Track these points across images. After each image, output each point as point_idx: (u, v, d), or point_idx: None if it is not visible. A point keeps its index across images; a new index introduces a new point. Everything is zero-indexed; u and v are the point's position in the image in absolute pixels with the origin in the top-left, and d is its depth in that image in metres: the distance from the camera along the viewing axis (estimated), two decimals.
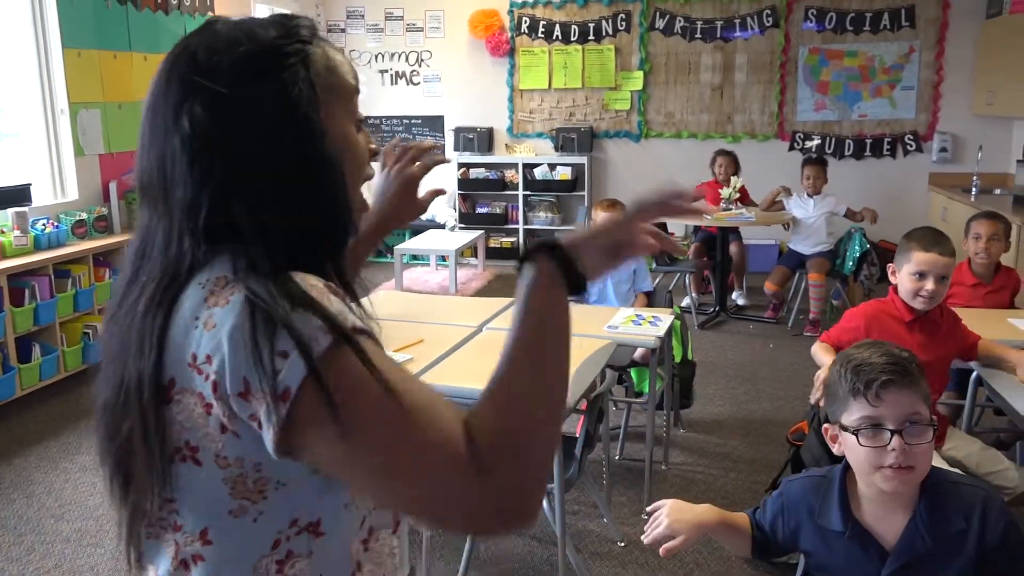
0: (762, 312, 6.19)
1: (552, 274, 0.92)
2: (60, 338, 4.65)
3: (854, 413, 1.55)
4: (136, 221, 0.96)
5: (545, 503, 2.79)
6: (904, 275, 2.62)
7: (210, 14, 6.43)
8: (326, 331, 0.81)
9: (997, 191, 6.90)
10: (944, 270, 2.58)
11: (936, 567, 1.51)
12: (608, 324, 3.27)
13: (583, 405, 2.73)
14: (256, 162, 0.87)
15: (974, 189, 6.79)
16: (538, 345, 0.90)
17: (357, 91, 0.98)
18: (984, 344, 2.71)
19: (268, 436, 0.81)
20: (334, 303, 0.84)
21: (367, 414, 0.80)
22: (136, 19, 5.67)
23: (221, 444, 0.85)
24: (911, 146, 7.55)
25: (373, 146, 1.01)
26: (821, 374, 2.53)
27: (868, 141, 7.61)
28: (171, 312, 0.86)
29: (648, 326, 3.27)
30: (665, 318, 3.37)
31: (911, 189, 7.57)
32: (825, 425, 1.68)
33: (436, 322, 3.38)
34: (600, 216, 4.11)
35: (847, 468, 1.63)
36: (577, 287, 0.93)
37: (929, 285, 2.56)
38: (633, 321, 3.32)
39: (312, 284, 0.85)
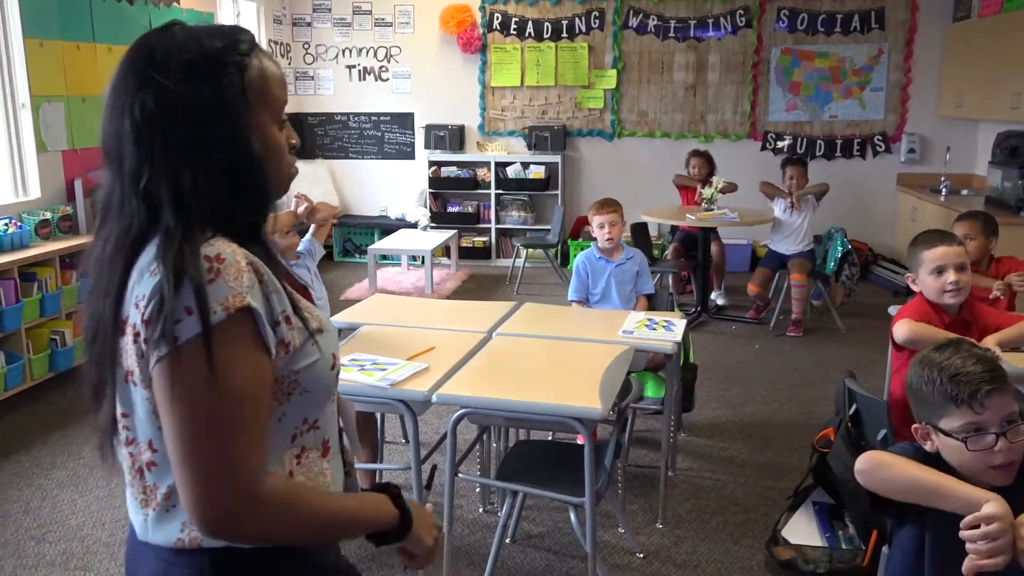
0: (742, 312, 6.19)
1: (390, 521, 1.26)
2: (26, 345, 4.39)
3: (956, 420, 1.60)
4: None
5: (573, 516, 2.70)
6: (924, 278, 2.68)
7: (175, 4, 6.17)
8: (225, 307, 1.02)
9: (965, 192, 7.03)
10: (958, 259, 2.64)
11: None
12: (623, 329, 3.18)
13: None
14: (191, 147, 1.07)
15: (943, 190, 6.89)
16: (340, 528, 1.21)
17: (284, 100, 1.19)
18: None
19: (149, 361, 1.04)
20: (245, 282, 1.05)
21: (191, 400, 1.02)
22: (100, 9, 5.39)
23: (139, 369, 1.06)
24: (880, 147, 7.65)
25: (294, 141, 1.21)
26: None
27: (838, 142, 7.69)
28: (130, 261, 1.08)
29: (663, 331, 3.19)
30: (678, 322, 3.30)
31: (880, 189, 7.68)
32: (915, 426, 1.72)
33: (442, 328, 3.25)
34: (595, 220, 4.02)
35: (938, 455, 1.67)
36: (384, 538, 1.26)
37: (951, 276, 2.62)
38: (647, 325, 3.24)
39: (237, 260, 1.06)
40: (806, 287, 5.77)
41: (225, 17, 7.09)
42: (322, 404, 1.20)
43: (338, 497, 1.22)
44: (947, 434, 1.61)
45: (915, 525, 1.67)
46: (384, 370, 2.68)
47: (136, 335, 1.05)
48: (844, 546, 2.81)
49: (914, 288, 2.77)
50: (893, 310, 3.44)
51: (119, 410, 1.12)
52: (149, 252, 1.06)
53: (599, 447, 2.68)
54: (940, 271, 2.64)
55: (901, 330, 2.66)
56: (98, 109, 1.13)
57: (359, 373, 2.65)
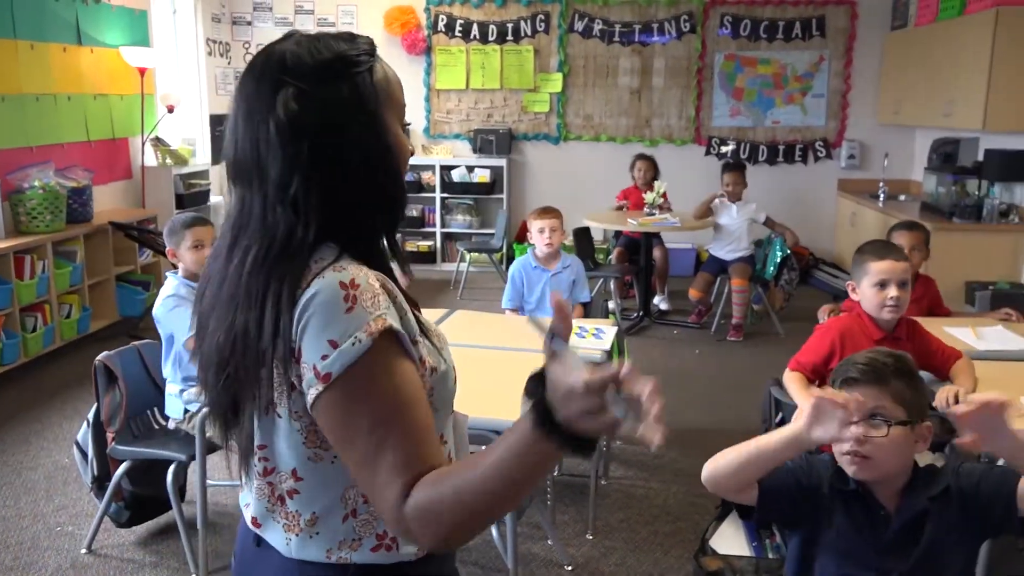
0: (684, 317, 6.20)
1: (546, 441, 0.94)
2: None
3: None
4: (231, 201, 1.14)
5: (494, 530, 2.63)
6: (865, 288, 2.60)
7: (105, 1, 5.97)
8: (369, 332, 1.01)
9: (902, 197, 7.14)
10: (903, 275, 2.58)
11: (933, 520, 1.64)
12: None
13: None
14: (338, 149, 1.07)
15: (881, 195, 7.00)
16: (511, 487, 0.98)
17: (404, 104, 1.18)
18: (956, 368, 2.67)
19: (308, 398, 1.03)
20: (381, 304, 1.04)
21: (355, 426, 1.02)
22: (21, 4, 5.18)
23: (291, 399, 1.06)
24: (821, 152, 7.74)
25: (411, 148, 1.19)
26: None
27: (781, 147, 7.76)
28: (274, 277, 1.04)
29: (592, 339, 3.14)
30: (608, 330, 3.26)
31: (821, 195, 7.77)
32: None
33: None
34: (534, 225, 3.97)
35: None
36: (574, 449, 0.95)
37: (893, 292, 2.55)
38: (576, 333, 3.19)
39: (371, 284, 1.05)
40: (747, 292, 5.80)
41: (159, 14, 6.90)
42: (446, 420, 1.21)
43: (480, 460, 1.00)
44: None
45: (802, 532, 1.72)
46: None
47: (285, 369, 1.04)
48: (771, 555, 2.78)
49: (853, 297, 2.70)
50: (822, 315, 3.45)
51: (257, 441, 1.12)
52: (295, 272, 1.04)
53: None
54: (883, 285, 2.57)
55: (785, 376, 2.68)
56: (20, 108, 1.05)
57: None
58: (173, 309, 2.90)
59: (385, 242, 1.17)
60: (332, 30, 1.19)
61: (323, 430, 1.05)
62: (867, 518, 1.66)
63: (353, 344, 1.00)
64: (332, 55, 1.09)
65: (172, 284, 2.97)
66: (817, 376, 2.64)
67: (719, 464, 1.61)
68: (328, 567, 1.13)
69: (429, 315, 3.45)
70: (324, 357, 1.00)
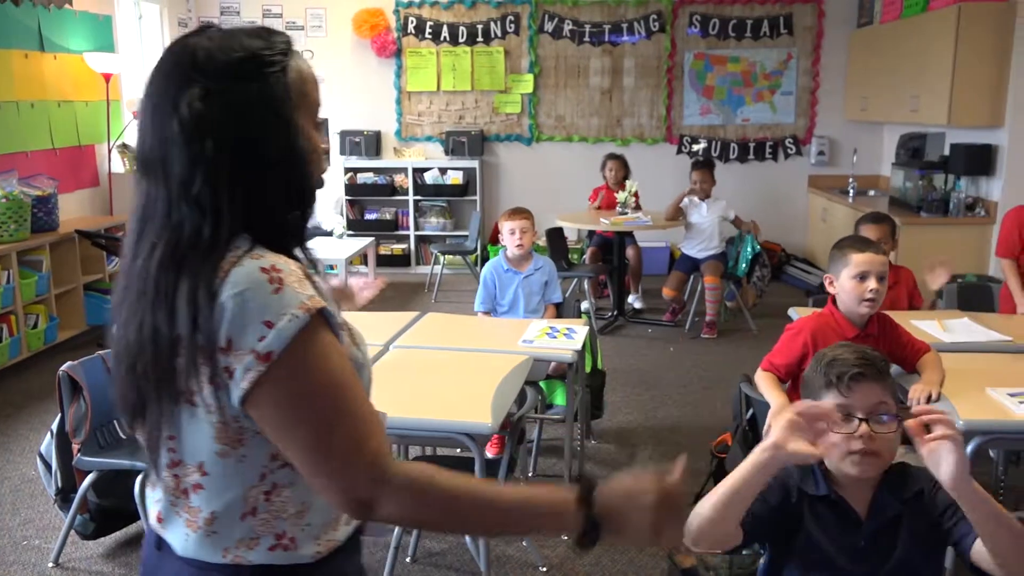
0: (659, 316, 6.21)
1: (571, 521, 1.08)
2: None
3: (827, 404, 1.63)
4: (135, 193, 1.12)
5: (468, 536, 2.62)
6: (845, 280, 2.58)
7: (68, 7, 5.88)
8: (305, 309, 1.02)
9: (872, 192, 7.22)
10: (882, 268, 2.59)
11: (905, 527, 1.63)
12: (523, 338, 3.12)
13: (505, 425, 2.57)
14: (241, 149, 1.06)
15: (851, 191, 7.06)
16: (504, 520, 1.10)
17: (320, 102, 1.16)
18: (924, 361, 2.68)
19: (238, 388, 1.01)
20: (308, 287, 1.06)
21: (305, 405, 1.03)
22: None
23: (208, 392, 1.03)
24: (791, 149, 7.80)
25: (326, 146, 1.19)
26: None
27: (751, 145, 7.81)
28: (183, 273, 1.03)
29: (563, 339, 3.14)
30: (580, 329, 3.25)
31: (792, 191, 7.83)
32: None
33: None
34: (505, 226, 3.96)
35: None
36: (583, 541, 1.09)
37: (872, 284, 2.55)
38: (548, 334, 3.18)
39: (292, 268, 1.06)
40: (719, 289, 5.82)
41: (124, 19, 6.82)
42: None
43: (496, 487, 1.14)
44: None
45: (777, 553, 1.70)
46: None
47: (208, 359, 1.02)
48: (744, 551, 2.79)
49: (831, 290, 2.69)
50: (793, 312, 3.47)
51: (165, 432, 1.09)
52: (207, 267, 1.03)
53: (494, 461, 2.61)
54: (863, 277, 2.57)
55: (757, 376, 2.68)
56: None
57: None
58: None
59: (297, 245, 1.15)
60: (248, 25, 1.17)
61: (263, 417, 1.03)
62: (838, 522, 1.63)
63: (290, 320, 1.01)
64: (244, 53, 1.07)
65: None
66: (790, 376, 2.64)
67: (699, 518, 1.46)
68: (224, 567, 1.12)
69: (397, 319, 3.44)
70: (261, 339, 1.00)
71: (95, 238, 5.46)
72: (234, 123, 1.05)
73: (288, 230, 1.12)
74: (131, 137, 6.63)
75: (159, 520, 1.17)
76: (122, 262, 1.13)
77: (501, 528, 1.11)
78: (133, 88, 6.89)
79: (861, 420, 1.59)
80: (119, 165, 6.43)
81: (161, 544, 1.17)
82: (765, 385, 2.61)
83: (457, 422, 2.36)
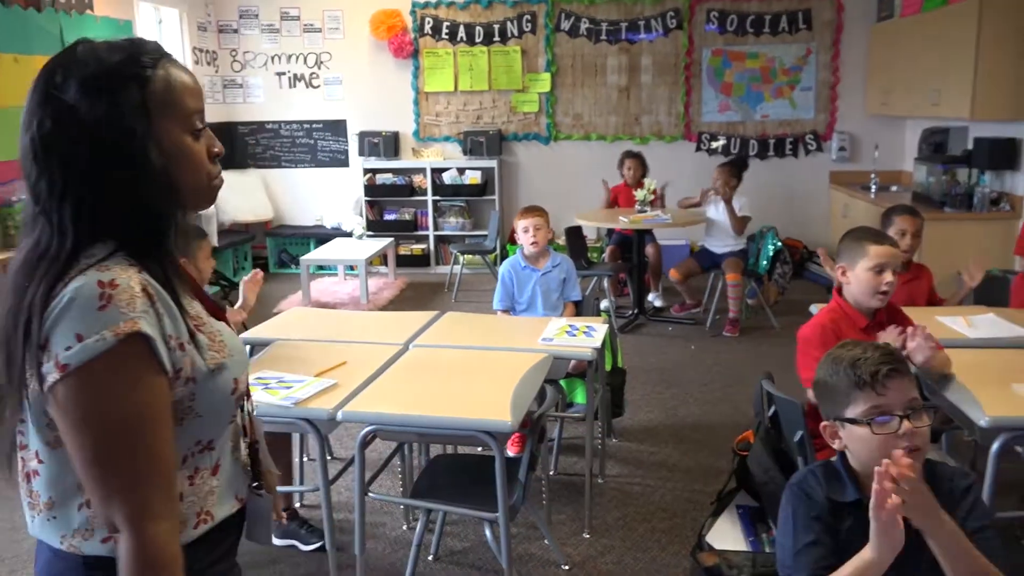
0: (680, 314, 6.17)
1: None
2: None
3: (861, 405, 1.61)
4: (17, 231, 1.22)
5: (488, 532, 2.62)
6: (860, 272, 2.56)
7: (88, 12, 5.95)
8: (115, 333, 1.05)
9: (894, 188, 7.14)
10: (897, 262, 2.58)
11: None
12: (542, 337, 3.12)
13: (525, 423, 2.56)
14: (87, 163, 1.10)
15: (873, 186, 6.99)
16: None
17: (197, 108, 1.18)
18: None
19: (45, 386, 1.06)
20: (138, 307, 1.08)
21: (90, 421, 1.06)
22: (5, 17, 5.16)
23: (38, 387, 1.08)
24: (812, 145, 7.73)
25: (216, 149, 1.22)
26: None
27: (771, 141, 7.75)
28: (37, 276, 1.09)
29: (583, 337, 3.13)
30: (599, 327, 3.24)
31: (813, 187, 7.76)
32: (823, 424, 1.71)
33: (357, 340, 3.14)
34: (519, 224, 3.96)
35: (844, 456, 1.69)
36: None
37: (889, 277, 2.53)
38: (567, 332, 3.17)
39: (131, 285, 1.09)
40: (740, 286, 5.79)
41: (145, 24, 6.88)
42: (218, 427, 1.24)
43: None
44: (852, 421, 1.61)
45: None
46: (289, 388, 2.57)
47: (36, 357, 1.07)
48: (767, 549, 2.77)
49: (843, 280, 2.65)
50: (815, 309, 3.43)
51: (17, 416, 1.15)
52: (51, 274, 1.09)
53: (514, 460, 2.61)
54: (881, 269, 2.54)
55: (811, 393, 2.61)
56: (5, 121, 1.10)
57: (263, 392, 2.54)
58: None
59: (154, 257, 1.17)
60: (122, 39, 1.18)
61: (56, 419, 1.08)
62: (866, 528, 1.54)
63: (97, 341, 1.04)
64: (98, 69, 1.11)
65: None
66: None
67: None
68: (60, 553, 1.17)
69: (417, 319, 3.44)
70: (68, 348, 1.04)
71: None
72: (82, 139, 1.09)
73: (151, 236, 1.15)
74: None
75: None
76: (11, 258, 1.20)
77: None
78: None
79: (903, 417, 1.57)
80: None
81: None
82: None
83: (477, 420, 2.36)
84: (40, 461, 1.15)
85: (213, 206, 7.38)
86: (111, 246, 1.12)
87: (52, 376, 1.06)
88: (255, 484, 1.37)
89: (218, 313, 1.28)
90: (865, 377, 1.60)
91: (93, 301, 1.06)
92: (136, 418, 1.08)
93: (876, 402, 1.59)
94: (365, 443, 2.48)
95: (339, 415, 2.42)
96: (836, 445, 1.69)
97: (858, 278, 2.58)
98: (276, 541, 3.10)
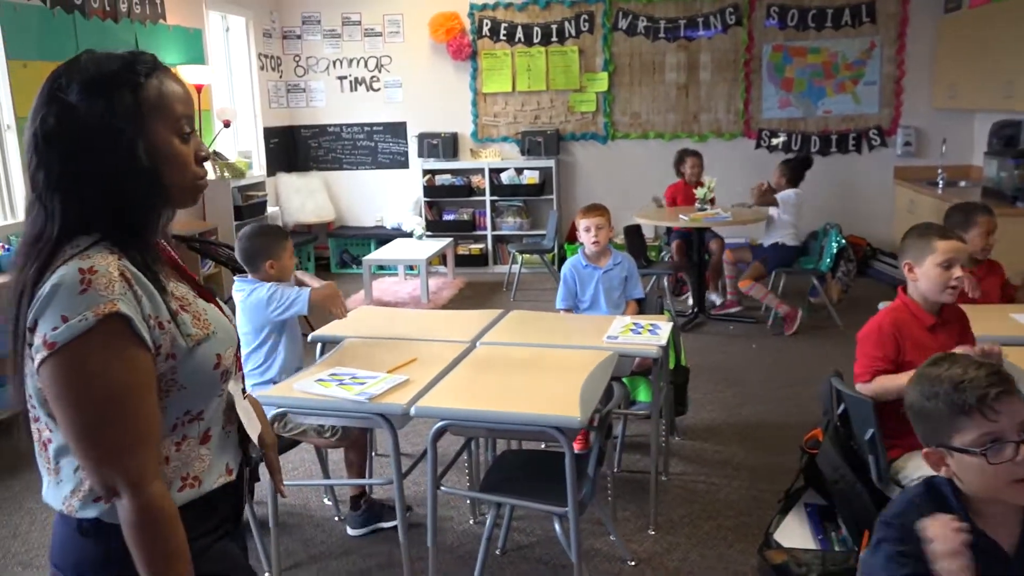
0: (742, 312, 6.12)
1: None
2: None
3: (970, 433, 1.47)
4: None
5: (558, 526, 2.66)
6: (929, 268, 2.51)
7: (161, 22, 6.17)
8: (96, 313, 1.17)
9: (962, 183, 6.96)
10: (965, 255, 2.54)
11: None
12: (607, 335, 3.14)
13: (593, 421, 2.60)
14: (80, 158, 1.22)
15: (940, 182, 6.83)
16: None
17: (184, 114, 1.31)
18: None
19: (35, 364, 1.19)
20: (116, 290, 1.20)
21: (76, 394, 1.18)
22: (84, 28, 5.39)
23: (29, 362, 1.21)
24: (875, 141, 7.59)
25: (203, 152, 1.35)
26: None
27: (833, 137, 7.63)
28: (35, 262, 1.21)
29: (648, 335, 3.15)
30: (664, 325, 3.25)
31: (877, 183, 7.62)
32: (925, 451, 1.57)
33: (426, 338, 3.21)
34: (581, 223, 3.98)
35: (951, 482, 1.54)
36: None
37: (958, 272, 2.49)
38: (632, 330, 3.20)
39: (109, 271, 1.21)
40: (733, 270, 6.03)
41: (213, 32, 7.10)
42: (205, 399, 1.35)
43: (188, 560, 1.27)
44: (963, 451, 1.47)
45: None
46: (363, 384, 2.64)
47: (26, 337, 1.21)
48: (837, 548, 2.76)
49: (911, 277, 2.60)
50: (883, 305, 3.39)
51: (27, 392, 1.27)
52: (43, 259, 1.22)
53: (583, 456, 2.64)
54: (949, 264, 2.50)
55: (866, 390, 2.55)
56: None
57: (338, 388, 2.62)
58: (275, 291, 3.01)
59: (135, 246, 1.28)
60: (122, 51, 1.30)
61: (46, 394, 1.20)
62: (981, 557, 1.42)
63: (80, 321, 1.16)
64: (96, 74, 1.24)
65: (253, 285, 3.06)
66: (898, 369, 2.56)
67: None
68: (63, 518, 1.30)
69: (482, 317, 3.50)
70: (54, 328, 1.16)
71: (191, 242, 5.68)
72: (79, 136, 1.22)
73: (128, 229, 1.27)
74: (222, 145, 6.90)
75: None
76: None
77: None
78: (223, 98, 7.17)
79: (1019, 443, 1.43)
80: (211, 172, 6.70)
81: None
82: (888, 383, 2.48)
83: (547, 415, 2.40)
84: (50, 429, 1.27)
85: (277, 207, 7.58)
86: (95, 236, 1.24)
87: (41, 354, 1.17)
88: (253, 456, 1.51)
89: (206, 295, 1.41)
90: (972, 401, 1.46)
91: (75, 286, 1.18)
92: (122, 388, 1.19)
93: (987, 429, 1.45)
94: (437, 437, 2.54)
95: (412, 410, 2.48)
96: (944, 472, 1.55)
97: (927, 274, 2.54)
98: (352, 532, 3.20)
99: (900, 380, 2.40)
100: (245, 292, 3.06)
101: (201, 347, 1.31)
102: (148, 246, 1.31)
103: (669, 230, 6.71)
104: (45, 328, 1.17)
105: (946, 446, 1.51)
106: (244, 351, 3.06)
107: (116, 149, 1.24)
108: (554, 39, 7.83)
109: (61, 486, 1.28)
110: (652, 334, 3.15)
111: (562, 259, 7.74)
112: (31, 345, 1.19)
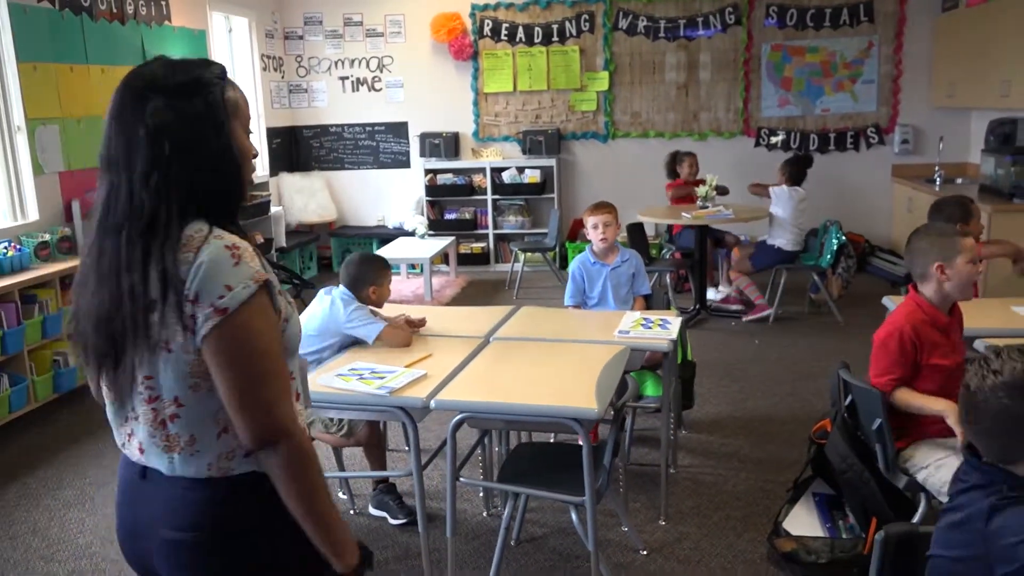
0: (743, 308, 6.19)
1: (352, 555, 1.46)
2: (29, 367, 4.42)
3: None
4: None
5: (575, 516, 2.72)
6: (962, 265, 2.56)
7: (167, 23, 6.21)
8: (255, 280, 1.32)
9: (960, 180, 7.05)
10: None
11: None
12: (619, 329, 3.21)
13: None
14: (191, 149, 1.34)
15: (938, 179, 6.91)
16: (324, 514, 1.40)
17: (249, 117, 1.47)
18: None
19: (199, 333, 1.30)
20: (258, 262, 1.36)
21: (249, 349, 1.32)
22: (92, 30, 5.44)
23: (182, 337, 1.31)
24: (874, 139, 7.67)
25: (255, 151, 1.48)
26: (951, 419, 2.41)
27: (832, 135, 7.71)
28: (147, 247, 1.31)
29: (658, 329, 3.21)
30: (673, 320, 3.32)
31: (875, 181, 7.70)
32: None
33: (439, 334, 3.28)
34: (589, 221, 4.05)
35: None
36: None
37: (981, 267, 2.59)
38: (642, 324, 3.26)
39: (247, 246, 1.35)
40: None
41: (217, 33, 7.14)
42: (294, 359, 1.50)
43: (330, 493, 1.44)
44: None
45: None
46: (383, 378, 2.70)
47: (177, 310, 1.29)
48: (845, 535, 2.82)
49: (943, 278, 2.60)
50: (887, 301, 3.47)
51: (143, 373, 1.35)
52: (169, 241, 1.31)
53: (598, 447, 2.70)
54: (974, 260, 2.58)
55: (896, 397, 2.60)
56: (93, 130, 1.27)
57: (358, 382, 2.68)
58: (359, 307, 3.17)
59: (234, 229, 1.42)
60: (191, 57, 1.46)
61: (212, 357, 1.31)
62: None
63: (244, 288, 1.30)
64: (189, 77, 1.36)
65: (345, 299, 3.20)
66: (916, 372, 2.61)
67: None
68: (204, 482, 1.38)
69: (494, 313, 3.56)
70: (220, 297, 1.29)
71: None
72: (184, 129, 1.33)
73: (225, 213, 1.40)
74: None
75: (141, 452, 1.42)
76: (88, 243, 1.41)
77: (320, 521, 1.38)
78: None
79: None
80: None
81: (146, 473, 1.43)
82: (914, 399, 2.55)
83: (565, 407, 2.46)
84: (180, 405, 1.35)
85: (280, 207, 7.60)
86: (205, 223, 1.35)
87: (211, 322, 1.28)
88: None
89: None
90: None
91: (228, 260, 1.31)
92: (276, 345, 1.36)
93: None
94: (456, 429, 2.60)
95: (432, 403, 2.54)
96: None
97: (959, 273, 2.56)
98: (371, 511, 3.29)
99: (928, 403, 2.51)
100: (333, 297, 3.19)
101: (290, 320, 1.45)
102: (242, 231, 1.43)
103: (670, 227, 6.78)
104: (210, 298, 1.29)
105: None
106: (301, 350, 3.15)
107: (220, 138, 1.37)
108: (555, 39, 7.89)
109: (200, 455, 1.37)
110: (662, 328, 3.21)
111: (563, 257, 7.80)
112: (193, 317, 1.29)
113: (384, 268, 3.37)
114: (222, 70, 1.42)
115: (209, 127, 1.35)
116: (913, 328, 2.59)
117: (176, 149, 1.32)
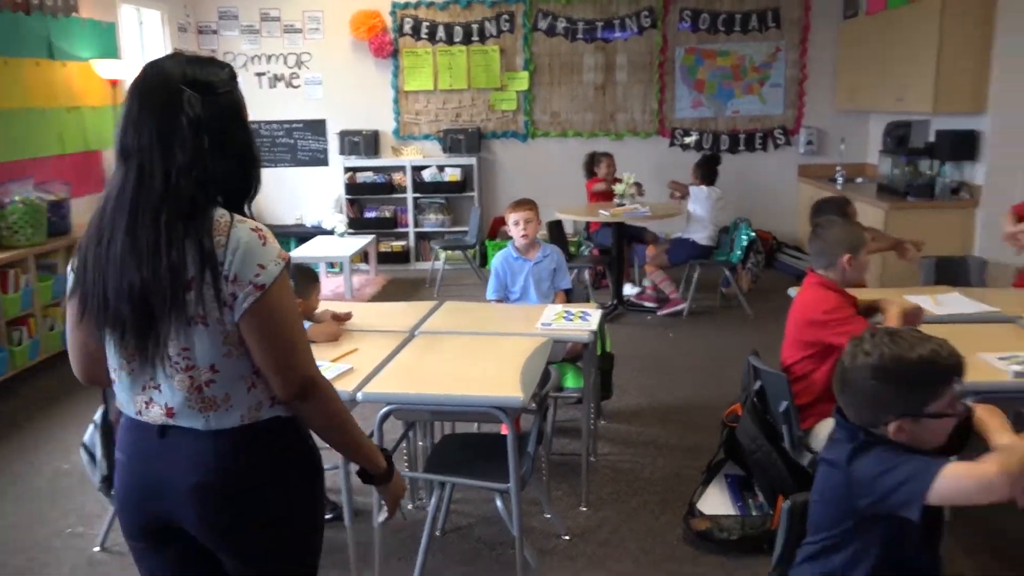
0: (660, 304, 6.38)
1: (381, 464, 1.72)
2: None
3: (945, 399, 1.64)
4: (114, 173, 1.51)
5: (500, 503, 2.79)
6: (863, 258, 2.87)
7: (74, 14, 6.01)
8: (283, 258, 1.50)
9: (859, 180, 7.42)
10: None
11: None
12: (541, 321, 3.29)
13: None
14: (226, 143, 1.48)
15: (839, 179, 7.27)
16: (358, 439, 1.67)
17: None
18: None
19: (240, 308, 1.46)
20: (276, 241, 1.51)
21: (283, 318, 1.49)
22: None
23: (218, 312, 1.45)
24: (780, 140, 8.00)
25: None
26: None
27: (741, 136, 8.01)
28: (185, 231, 1.42)
29: (579, 321, 3.31)
30: (593, 312, 3.42)
31: (782, 180, 8.03)
32: (892, 427, 1.65)
33: (364, 329, 3.30)
34: (510, 217, 4.13)
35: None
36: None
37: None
38: (564, 317, 3.36)
39: (265, 228, 1.50)
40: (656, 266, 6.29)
41: (127, 26, 6.94)
42: None
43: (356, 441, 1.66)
44: (936, 415, 1.63)
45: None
46: None
47: (215, 288, 1.43)
48: (754, 513, 2.98)
49: (849, 267, 2.82)
50: (793, 292, 3.66)
51: (180, 345, 1.47)
52: (205, 224, 1.44)
53: (522, 436, 2.78)
54: (868, 253, 2.92)
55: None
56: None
57: None
58: None
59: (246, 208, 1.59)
60: (203, 54, 1.57)
61: (251, 330, 1.47)
62: None
63: (275, 264, 1.47)
64: (216, 77, 1.50)
65: None
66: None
67: None
68: (237, 431, 1.54)
69: (418, 308, 3.59)
70: (257, 275, 1.45)
71: None
72: (219, 123, 1.47)
73: (243, 201, 1.55)
74: None
75: (170, 414, 1.53)
76: (100, 225, 1.48)
77: (354, 442, 1.63)
78: None
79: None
80: None
81: (165, 431, 1.54)
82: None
83: (491, 397, 2.53)
84: (215, 371, 1.50)
85: None
86: (225, 210, 1.48)
87: (251, 298, 1.44)
88: None
89: None
90: (954, 372, 1.64)
91: (257, 242, 1.46)
92: (298, 312, 1.55)
93: (955, 391, 1.64)
94: (383, 421, 2.63)
95: (359, 396, 2.57)
96: (902, 439, 1.65)
97: (861, 264, 2.88)
98: None
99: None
100: None
101: None
102: (252, 213, 1.58)
103: (587, 225, 6.93)
104: (249, 276, 1.44)
105: (915, 415, 1.63)
106: None
107: (247, 135, 1.54)
108: (475, 38, 7.95)
109: (233, 409, 1.53)
110: (583, 320, 3.31)
111: (484, 255, 7.87)
112: (233, 295, 1.43)
113: (311, 281, 3.30)
114: (233, 69, 1.56)
115: (237, 123, 1.51)
116: (839, 297, 2.83)
117: (213, 143, 1.45)
